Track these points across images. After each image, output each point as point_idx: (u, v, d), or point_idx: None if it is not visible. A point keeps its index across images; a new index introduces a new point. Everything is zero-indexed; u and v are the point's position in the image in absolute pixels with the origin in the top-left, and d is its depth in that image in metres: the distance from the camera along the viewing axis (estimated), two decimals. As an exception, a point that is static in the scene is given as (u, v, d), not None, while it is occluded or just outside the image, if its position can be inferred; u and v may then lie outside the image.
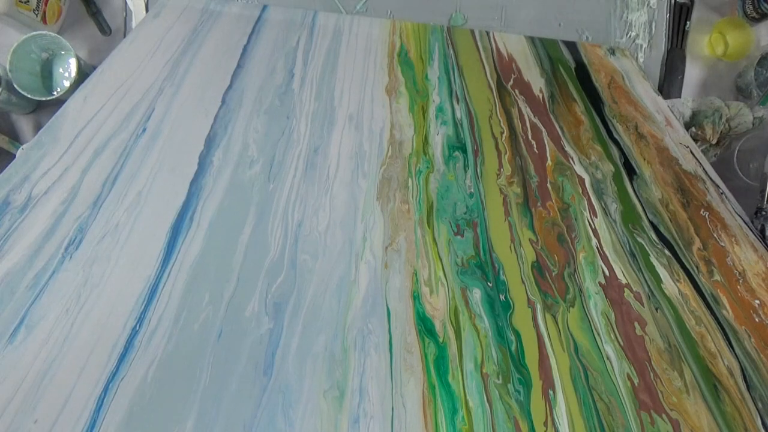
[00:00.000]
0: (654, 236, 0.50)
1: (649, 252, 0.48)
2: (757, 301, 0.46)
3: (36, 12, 0.68)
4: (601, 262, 0.47)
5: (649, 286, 0.46)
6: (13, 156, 0.69)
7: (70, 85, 0.67)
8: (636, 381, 0.39)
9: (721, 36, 0.79)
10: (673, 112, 0.67)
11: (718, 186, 0.57)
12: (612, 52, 0.73)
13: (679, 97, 0.77)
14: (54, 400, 0.32)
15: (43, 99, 0.68)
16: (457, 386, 0.37)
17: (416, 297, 0.41)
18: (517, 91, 0.63)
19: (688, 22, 0.79)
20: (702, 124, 0.71)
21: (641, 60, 0.78)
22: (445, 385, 0.36)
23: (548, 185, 0.53)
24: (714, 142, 0.71)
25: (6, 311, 0.36)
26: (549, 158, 0.56)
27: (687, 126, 0.73)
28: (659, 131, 0.63)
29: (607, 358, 0.40)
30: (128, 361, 0.35)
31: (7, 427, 0.31)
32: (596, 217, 0.51)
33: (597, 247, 0.48)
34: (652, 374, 0.39)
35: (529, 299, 0.43)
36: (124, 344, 0.35)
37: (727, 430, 0.37)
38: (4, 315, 0.36)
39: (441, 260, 0.44)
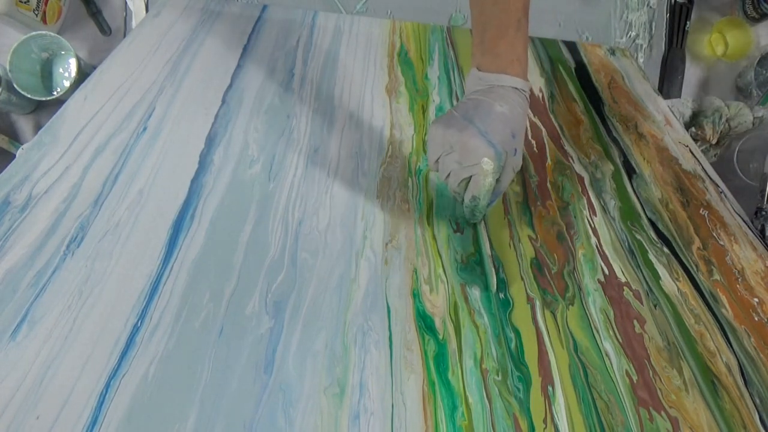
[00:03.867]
0: (653, 234, 0.50)
1: (648, 250, 0.49)
2: (756, 300, 0.46)
3: (36, 12, 0.68)
4: (600, 260, 0.47)
5: (648, 284, 0.46)
6: (13, 156, 0.69)
7: (70, 85, 0.68)
8: (635, 378, 0.39)
9: (721, 36, 0.80)
10: (673, 112, 0.67)
11: (717, 185, 0.57)
12: (612, 52, 0.73)
13: (679, 97, 0.77)
14: (56, 397, 0.32)
15: (43, 99, 0.68)
16: (456, 383, 0.37)
17: (416, 294, 0.42)
18: (516, 91, 0.63)
19: (688, 22, 0.79)
20: (702, 124, 0.72)
21: (641, 60, 0.78)
22: (444, 382, 0.37)
23: (548, 184, 0.53)
24: (714, 142, 0.71)
25: (8, 308, 0.36)
26: (549, 157, 0.56)
27: (687, 126, 0.73)
28: (659, 131, 0.63)
29: (606, 356, 0.40)
30: (129, 359, 0.35)
31: (9, 424, 0.31)
32: (596, 215, 0.51)
33: (596, 245, 0.48)
34: (651, 372, 0.39)
35: (528, 296, 0.43)
36: (125, 341, 0.36)
37: (725, 427, 0.37)
38: (7, 312, 0.36)
39: (441, 257, 0.45)
